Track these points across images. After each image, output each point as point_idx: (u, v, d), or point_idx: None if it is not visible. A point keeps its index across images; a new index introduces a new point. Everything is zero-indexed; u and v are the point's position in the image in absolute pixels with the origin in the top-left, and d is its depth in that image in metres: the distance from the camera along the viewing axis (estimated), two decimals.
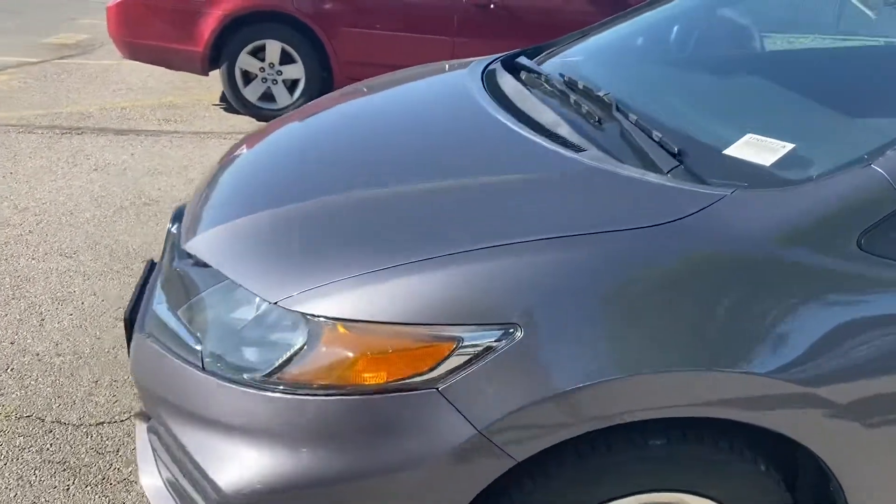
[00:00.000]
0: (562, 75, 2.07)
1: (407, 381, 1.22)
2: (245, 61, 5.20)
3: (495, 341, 1.21)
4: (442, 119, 1.91)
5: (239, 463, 1.28)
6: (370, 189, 1.56)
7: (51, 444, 2.16)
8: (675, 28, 2.61)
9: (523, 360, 1.21)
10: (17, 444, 2.15)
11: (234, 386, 1.30)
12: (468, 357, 1.21)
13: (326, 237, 1.42)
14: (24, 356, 2.54)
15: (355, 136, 1.91)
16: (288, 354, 1.27)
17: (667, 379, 1.21)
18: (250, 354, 1.32)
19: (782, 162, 1.44)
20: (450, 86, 2.16)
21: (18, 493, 1.99)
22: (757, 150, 1.48)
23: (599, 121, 1.74)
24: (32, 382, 2.41)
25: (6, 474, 2.04)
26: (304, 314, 1.27)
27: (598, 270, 1.24)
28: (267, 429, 1.27)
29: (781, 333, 1.24)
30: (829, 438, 1.30)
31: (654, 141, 1.55)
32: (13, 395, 2.35)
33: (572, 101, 1.86)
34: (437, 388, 1.21)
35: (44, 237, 3.37)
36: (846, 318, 1.27)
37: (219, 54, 5.17)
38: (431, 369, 1.21)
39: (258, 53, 5.21)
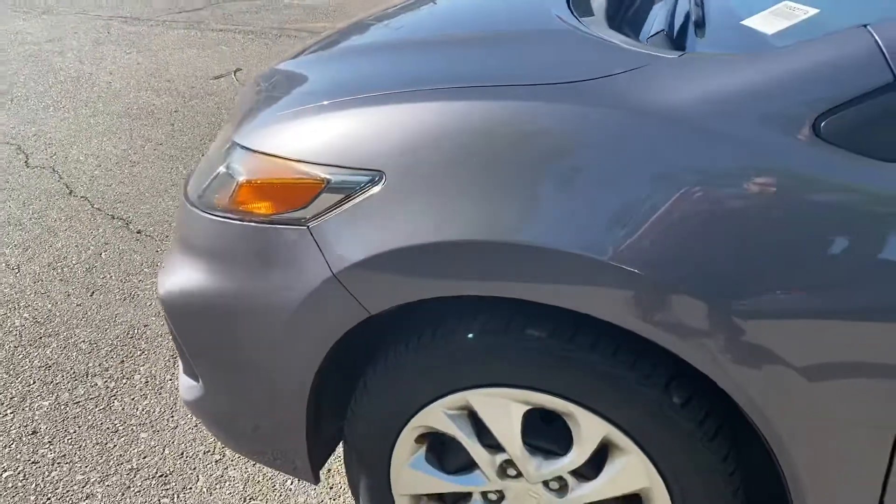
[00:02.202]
0: None
1: (285, 215, 1.23)
2: None
3: (360, 187, 1.16)
4: None
5: (175, 270, 1.42)
6: (366, 40, 1.57)
7: None
8: None
9: (383, 210, 1.14)
10: None
11: (186, 204, 1.43)
12: (335, 200, 1.18)
13: (302, 84, 1.46)
14: None
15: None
16: (213, 175, 1.36)
17: (524, 253, 1.05)
18: (203, 180, 1.43)
19: (790, 31, 1.11)
20: None
21: None
22: (777, 18, 1.16)
23: None
24: None
25: None
26: (234, 142, 1.34)
27: (475, 124, 1.10)
28: (194, 243, 1.38)
29: (688, 229, 0.99)
30: (741, 370, 1.01)
31: (673, 13, 1.30)
32: None
33: None
34: (308, 226, 1.20)
35: None
36: (781, 222, 0.96)
37: None
38: (304, 207, 1.21)
39: None
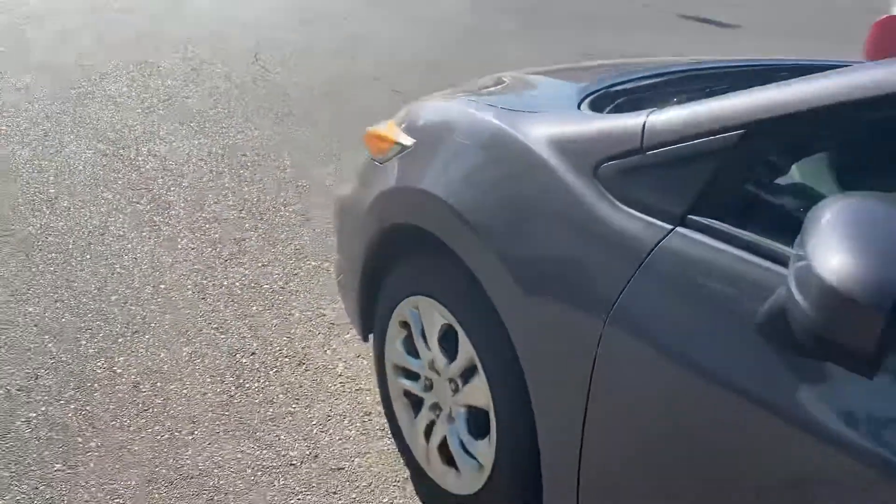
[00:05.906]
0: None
1: (380, 156, 2.00)
2: None
3: (407, 147, 1.87)
4: None
5: (342, 190, 2.29)
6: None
7: None
8: None
9: (409, 162, 1.85)
10: None
11: None
12: (396, 151, 1.90)
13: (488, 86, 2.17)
14: None
15: None
16: None
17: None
18: None
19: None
20: None
21: None
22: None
23: None
24: None
25: None
26: None
27: (477, 125, 1.74)
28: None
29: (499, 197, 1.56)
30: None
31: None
32: None
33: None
34: (377, 162, 1.98)
35: None
36: (555, 221, 1.45)
37: None
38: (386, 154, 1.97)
39: None
